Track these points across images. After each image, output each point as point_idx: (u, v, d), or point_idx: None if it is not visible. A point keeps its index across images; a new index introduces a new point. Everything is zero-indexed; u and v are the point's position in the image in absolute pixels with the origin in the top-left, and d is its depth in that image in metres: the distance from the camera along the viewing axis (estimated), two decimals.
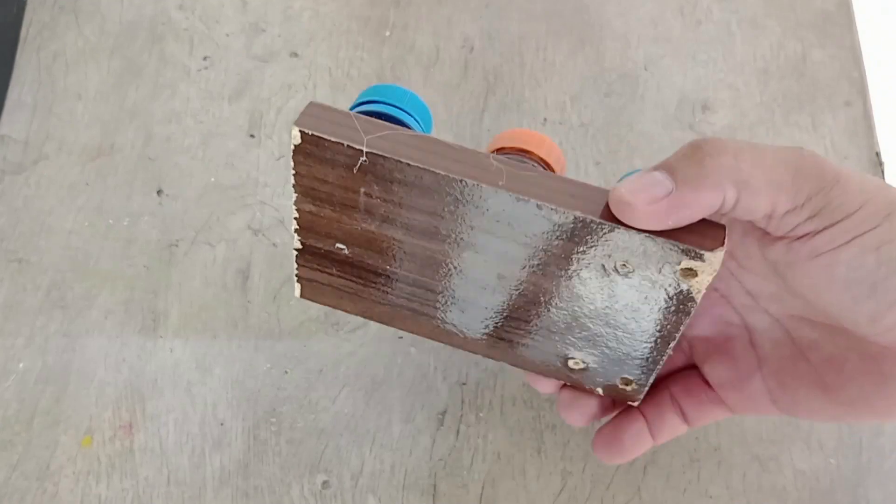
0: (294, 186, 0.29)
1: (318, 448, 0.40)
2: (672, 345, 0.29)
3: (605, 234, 0.26)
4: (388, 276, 0.31)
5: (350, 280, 0.32)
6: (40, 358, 0.42)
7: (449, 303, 0.31)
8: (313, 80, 0.50)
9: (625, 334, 0.30)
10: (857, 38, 0.49)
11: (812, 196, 0.25)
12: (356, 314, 0.34)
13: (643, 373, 0.31)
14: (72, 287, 0.44)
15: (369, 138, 0.27)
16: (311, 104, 0.28)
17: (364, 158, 0.27)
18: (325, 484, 0.39)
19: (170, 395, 0.42)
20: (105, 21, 0.52)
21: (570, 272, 0.28)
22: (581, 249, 0.27)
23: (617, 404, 0.34)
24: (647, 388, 0.32)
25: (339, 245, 0.31)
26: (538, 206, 0.26)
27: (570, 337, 0.31)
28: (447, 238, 0.28)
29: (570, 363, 0.32)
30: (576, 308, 0.29)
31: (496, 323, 0.31)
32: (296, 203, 0.30)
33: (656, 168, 0.26)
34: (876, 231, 0.25)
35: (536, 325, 0.31)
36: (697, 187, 0.25)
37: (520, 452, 0.40)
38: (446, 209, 0.27)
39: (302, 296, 0.34)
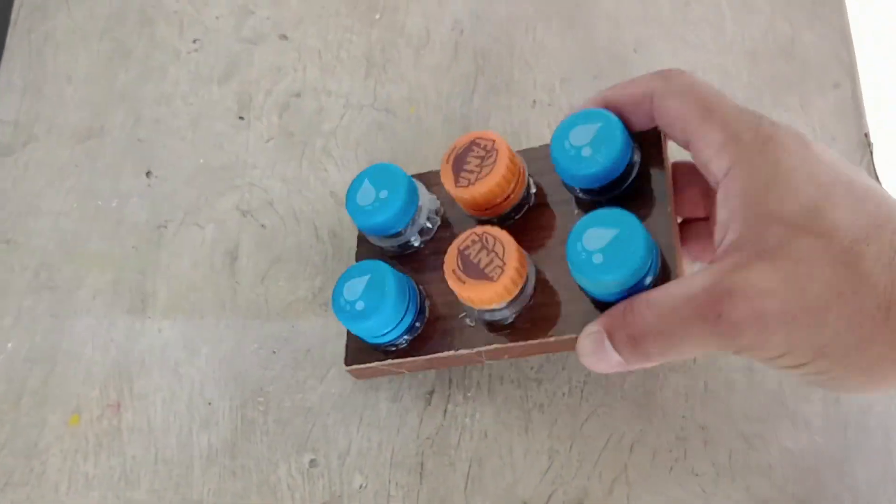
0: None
1: (305, 427, 0.40)
2: None
3: None
4: None
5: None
6: (28, 338, 0.42)
7: None
8: (302, 63, 0.50)
9: None
10: (847, 19, 0.48)
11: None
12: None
13: None
14: (60, 268, 0.44)
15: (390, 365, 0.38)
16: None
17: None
18: (312, 462, 0.39)
19: (157, 374, 0.42)
20: (95, 3, 0.52)
21: None
22: None
23: None
24: None
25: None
26: None
27: None
28: None
29: None
30: None
31: None
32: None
33: (608, 333, 0.31)
34: None
35: None
36: (645, 363, 0.31)
37: (507, 431, 0.40)
38: None
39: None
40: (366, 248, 0.40)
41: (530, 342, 0.35)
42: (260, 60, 0.50)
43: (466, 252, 0.35)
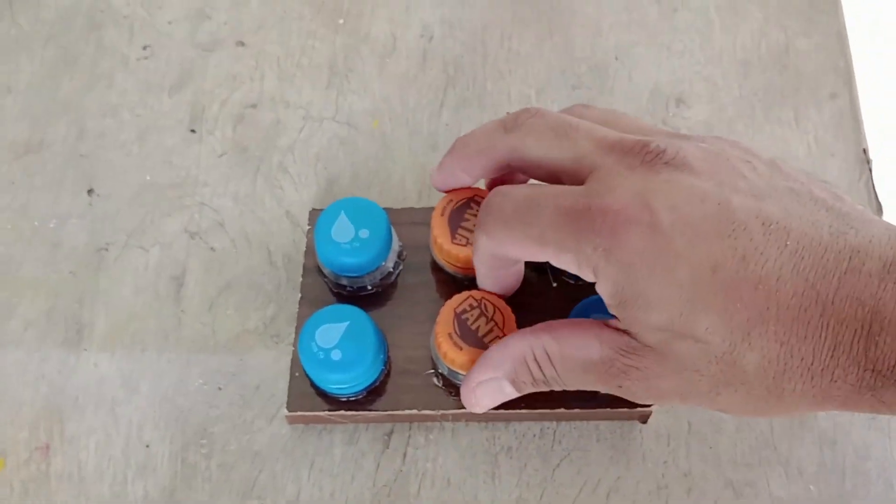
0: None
1: (251, 473, 0.37)
2: None
3: None
4: None
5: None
6: None
7: None
8: (260, 71, 0.46)
9: None
10: (844, 24, 0.45)
11: None
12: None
13: None
14: None
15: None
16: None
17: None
18: None
19: (92, 414, 0.38)
20: (41, 8, 0.48)
21: None
22: None
23: None
24: None
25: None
26: None
27: None
28: None
29: None
30: None
31: None
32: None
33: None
34: None
35: None
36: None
37: (472, 478, 0.36)
38: None
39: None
40: (312, 281, 0.37)
41: (502, 410, 0.34)
42: (215, 68, 0.46)
43: (464, 317, 0.34)
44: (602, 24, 0.46)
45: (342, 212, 0.35)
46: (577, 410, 0.35)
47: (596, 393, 0.35)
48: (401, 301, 0.37)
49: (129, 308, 0.40)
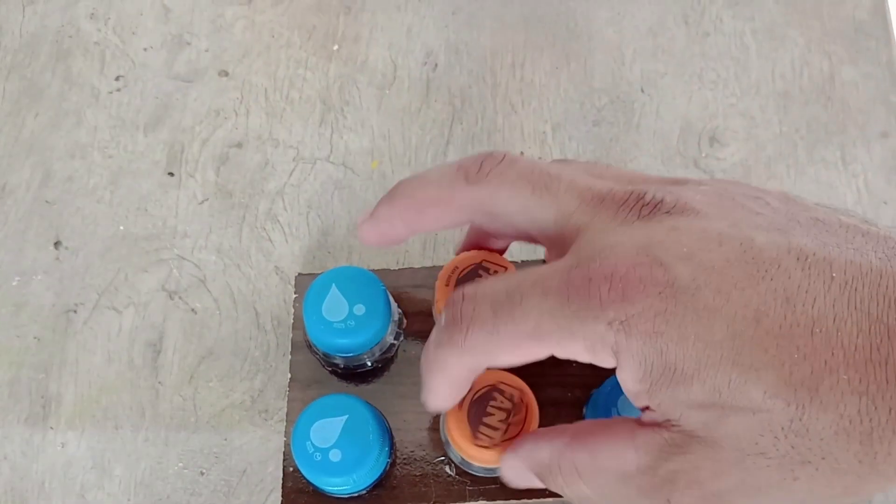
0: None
1: None
2: None
3: None
4: None
5: None
6: None
7: None
8: (245, 105, 0.42)
9: None
10: (895, 52, 0.41)
11: None
12: None
13: None
14: None
15: None
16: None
17: None
18: None
19: (59, 502, 0.34)
20: (2, 34, 0.44)
21: None
22: None
23: None
24: None
25: None
26: None
27: None
28: None
29: None
30: None
31: None
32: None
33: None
34: None
35: None
36: None
37: None
38: None
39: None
40: (303, 359, 0.33)
41: (524, 501, 0.30)
42: (195, 102, 0.42)
43: (479, 407, 0.29)
44: (625, 51, 0.42)
45: (333, 285, 0.31)
46: None
47: None
48: (403, 377, 0.33)
49: (101, 379, 0.36)
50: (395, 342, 0.33)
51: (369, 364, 0.33)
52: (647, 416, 0.24)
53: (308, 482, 0.30)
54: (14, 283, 0.38)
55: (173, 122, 0.41)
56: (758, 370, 0.21)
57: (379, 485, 0.31)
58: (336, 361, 0.32)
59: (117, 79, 0.42)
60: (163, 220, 0.39)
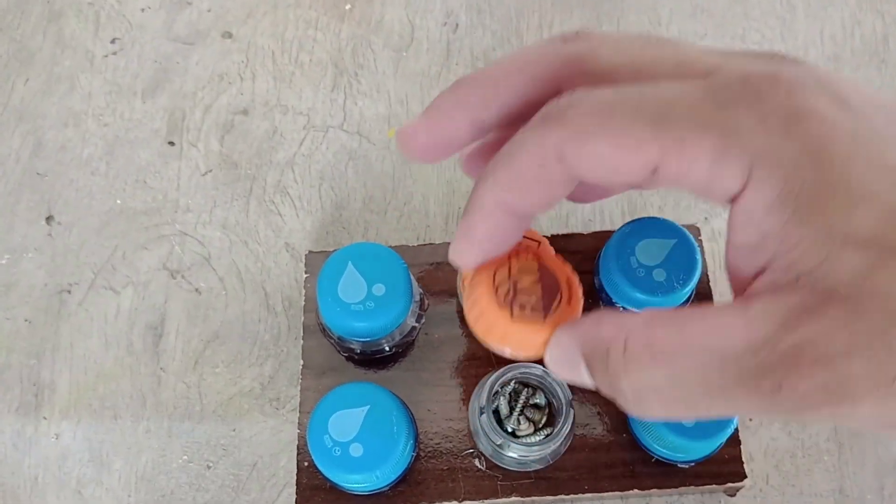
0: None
1: None
2: None
3: None
4: None
5: None
6: None
7: None
8: (251, 69, 0.38)
9: None
10: None
11: None
12: None
13: None
14: None
15: None
16: None
17: None
18: None
19: (54, 498, 0.31)
20: None
21: None
22: None
23: None
24: None
25: None
26: None
27: None
28: None
29: None
30: None
31: None
32: None
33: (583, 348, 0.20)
34: None
35: None
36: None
37: None
38: None
39: None
40: (316, 344, 0.30)
41: (562, 497, 0.28)
42: (197, 66, 0.39)
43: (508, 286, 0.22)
44: (660, 11, 0.39)
45: (350, 262, 0.28)
46: (654, 490, 0.29)
47: (674, 467, 0.28)
48: (425, 363, 0.30)
49: (98, 365, 0.33)
50: (417, 325, 0.30)
51: (387, 349, 0.30)
52: (761, 283, 0.19)
53: (325, 478, 0.28)
54: (3, 262, 0.35)
55: (173, 87, 0.38)
56: None
57: (402, 481, 0.28)
58: (352, 346, 0.29)
59: (113, 41, 0.39)
60: (163, 193, 0.36)
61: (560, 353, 0.21)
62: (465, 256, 0.21)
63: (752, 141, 0.17)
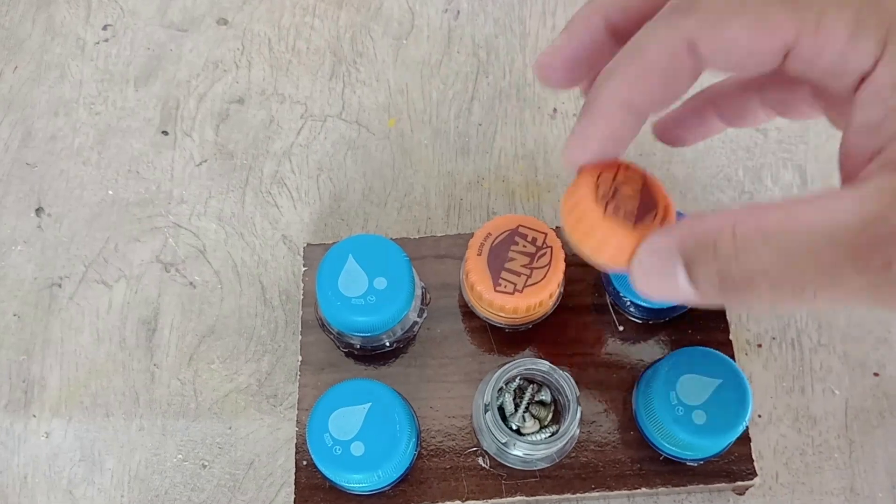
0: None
1: None
2: None
3: None
4: None
5: None
6: None
7: None
8: (247, 56, 0.37)
9: None
10: None
11: None
12: None
13: None
14: None
15: None
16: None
17: None
18: None
19: (44, 499, 0.30)
20: None
21: None
22: None
23: None
24: None
25: None
26: None
27: None
28: None
29: None
30: None
31: None
32: None
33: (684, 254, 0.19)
34: None
35: None
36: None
37: None
38: None
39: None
40: (315, 339, 0.29)
41: (566, 496, 0.27)
42: (191, 53, 0.38)
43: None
44: None
45: (350, 255, 0.27)
46: (662, 489, 0.28)
47: (683, 465, 0.28)
48: (427, 359, 0.30)
49: (89, 361, 0.32)
50: (418, 319, 0.29)
51: (388, 344, 0.29)
52: (876, 163, 0.19)
53: (324, 478, 0.27)
54: None
55: (167, 75, 0.37)
56: None
57: (404, 480, 0.28)
58: (352, 341, 0.28)
59: (105, 28, 0.38)
60: (156, 184, 0.35)
61: (653, 260, 0.20)
62: (578, 154, 0.21)
63: (889, 8, 0.18)
